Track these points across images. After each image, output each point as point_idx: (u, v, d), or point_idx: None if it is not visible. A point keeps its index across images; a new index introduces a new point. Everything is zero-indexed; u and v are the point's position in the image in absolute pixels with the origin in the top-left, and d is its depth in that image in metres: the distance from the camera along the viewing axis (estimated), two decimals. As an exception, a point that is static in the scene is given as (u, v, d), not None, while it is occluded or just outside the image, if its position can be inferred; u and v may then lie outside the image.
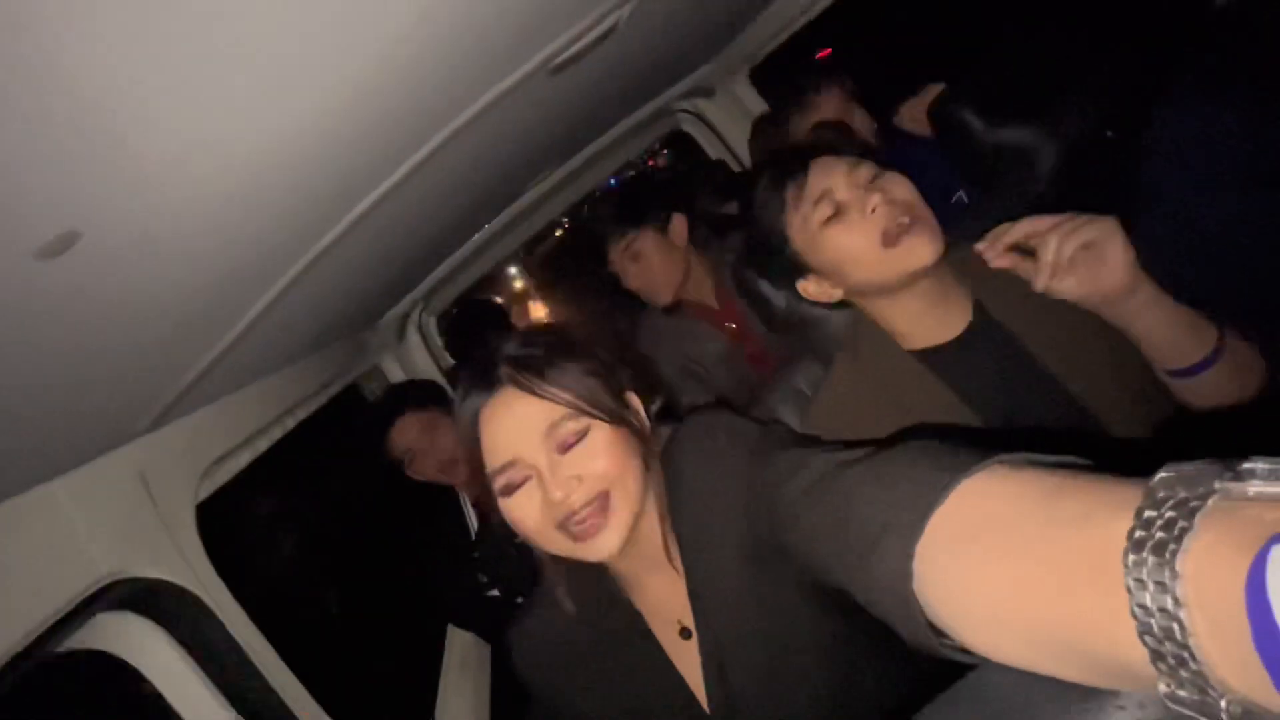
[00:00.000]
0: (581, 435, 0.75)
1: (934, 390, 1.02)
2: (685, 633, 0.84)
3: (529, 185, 1.99)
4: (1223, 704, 0.29)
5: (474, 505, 2.05)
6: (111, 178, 0.52)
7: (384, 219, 1.07)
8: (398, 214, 1.12)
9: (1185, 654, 0.29)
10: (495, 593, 1.88)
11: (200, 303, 0.81)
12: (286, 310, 1.05)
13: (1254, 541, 0.27)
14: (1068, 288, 0.83)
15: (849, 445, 0.69)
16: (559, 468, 0.74)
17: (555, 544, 0.76)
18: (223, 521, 1.11)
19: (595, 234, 1.93)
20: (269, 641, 1.02)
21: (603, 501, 0.75)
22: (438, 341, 2.59)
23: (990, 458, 0.47)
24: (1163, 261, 0.80)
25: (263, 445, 1.31)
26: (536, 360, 0.78)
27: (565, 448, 0.75)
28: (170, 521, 0.92)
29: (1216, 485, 0.30)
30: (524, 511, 0.75)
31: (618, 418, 0.78)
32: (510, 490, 0.76)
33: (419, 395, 1.94)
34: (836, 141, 1.03)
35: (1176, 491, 0.31)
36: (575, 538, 0.74)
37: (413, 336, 2.47)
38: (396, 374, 2.34)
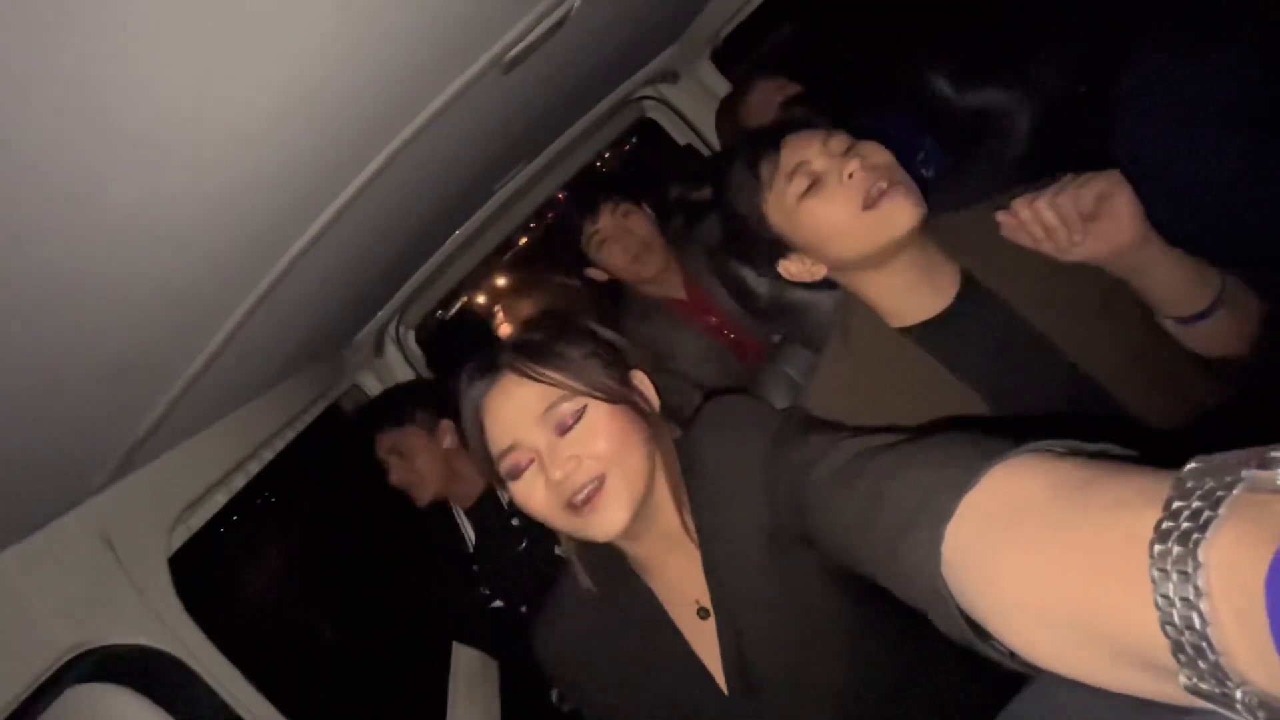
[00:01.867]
0: (579, 415, 0.77)
1: (927, 367, 1.01)
2: (703, 613, 0.84)
3: (496, 186, 1.93)
4: (1238, 694, 0.29)
5: (468, 516, 2.02)
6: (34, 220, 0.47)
7: (342, 236, 1.01)
8: (357, 230, 1.07)
9: (1204, 644, 0.29)
10: (499, 604, 1.85)
11: (147, 343, 0.76)
12: (247, 341, 1.00)
13: (1278, 535, 0.27)
14: (1085, 250, 0.83)
15: (869, 430, 0.69)
16: (558, 449, 0.76)
17: (564, 523, 0.78)
18: (202, 570, 1.06)
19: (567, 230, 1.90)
20: (263, 693, 0.98)
21: (601, 481, 0.76)
22: (417, 353, 2.54)
23: (1021, 446, 0.46)
24: (1149, 214, 0.79)
25: (239, 483, 1.26)
26: (534, 346, 0.80)
27: (564, 429, 0.76)
28: (141, 581, 0.87)
29: (1244, 474, 0.30)
30: (530, 494, 0.77)
31: (617, 396, 0.79)
32: (515, 474, 0.78)
33: (399, 410, 1.88)
34: (808, 117, 0.99)
35: (1204, 482, 0.31)
36: (579, 514, 0.75)
37: (391, 351, 2.42)
38: (377, 390, 2.28)
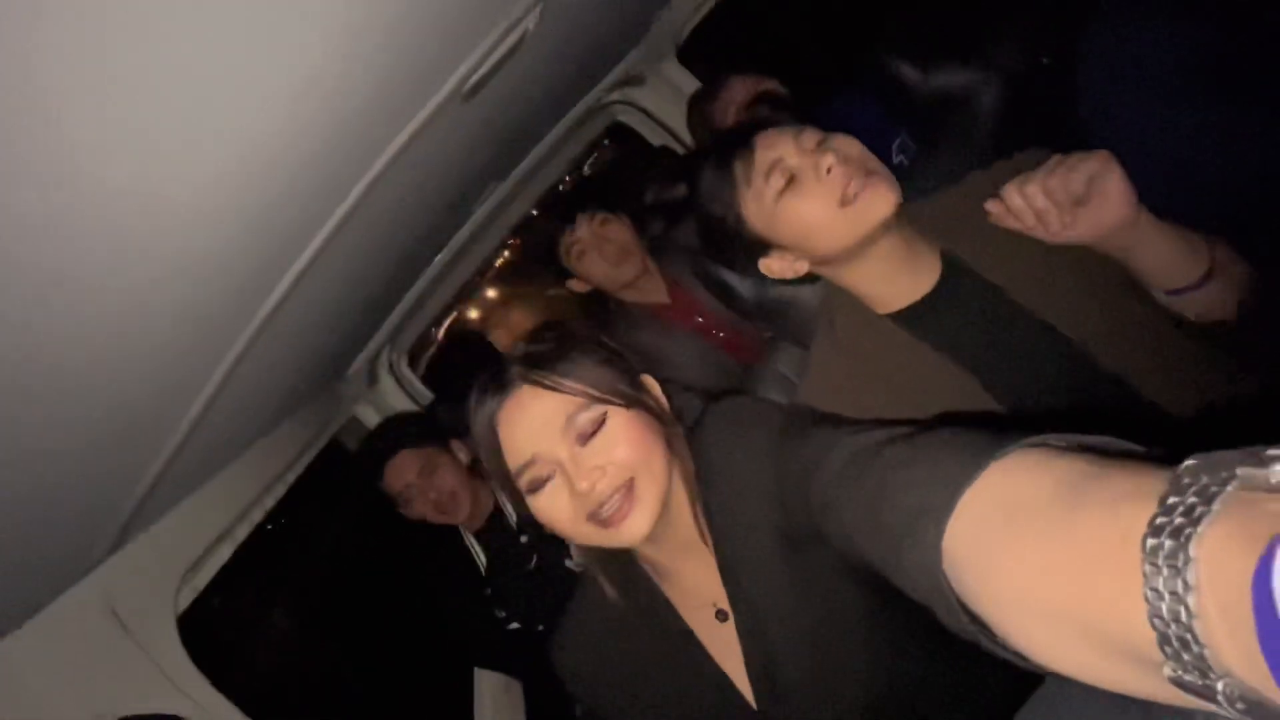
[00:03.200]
0: (599, 424, 0.76)
1: (917, 351, 1.01)
2: (721, 615, 0.83)
3: (474, 208, 1.93)
4: (1220, 685, 0.29)
5: (477, 539, 2.01)
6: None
7: (324, 274, 1.01)
8: (338, 266, 1.07)
9: (1189, 636, 0.30)
10: (515, 625, 1.85)
11: (136, 406, 0.76)
12: (237, 391, 0.99)
13: (1268, 534, 0.28)
14: (1076, 233, 0.83)
15: (871, 424, 0.68)
16: (581, 459, 0.75)
17: (587, 536, 0.77)
18: (212, 625, 1.05)
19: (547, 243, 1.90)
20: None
21: (629, 488, 0.75)
22: (412, 379, 2.53)
23: (1021, 439, 0.46)
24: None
25: (243, 533, 1.25)
26: (547, 356, 0.78)
27: (585, 438, 0.75)
28: (151, 646, 0.87)
29: (1239, 471, 0.30)
30: (553, 507, 0.76)
31: (634, 401, 0.78)
32: (536, 488, 0.76)
33: (414, 431, 1.87)
34: (775, 116, 0.99)
35: (1200, 478, 0.32)
36: (605, 525, 0.74)
37: (385, 380, 2.41)
38: (374, 421, 2.27)
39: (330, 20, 0.57)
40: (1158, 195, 0.81)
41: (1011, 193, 0.85)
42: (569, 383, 0.76)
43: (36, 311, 0.52)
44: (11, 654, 0.72)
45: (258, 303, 0.87)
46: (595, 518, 0.74)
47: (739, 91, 1.71)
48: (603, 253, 1.82)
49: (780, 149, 0.94)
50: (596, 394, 0.76)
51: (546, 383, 0.76)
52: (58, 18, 0.38)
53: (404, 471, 1.75)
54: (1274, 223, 0.92)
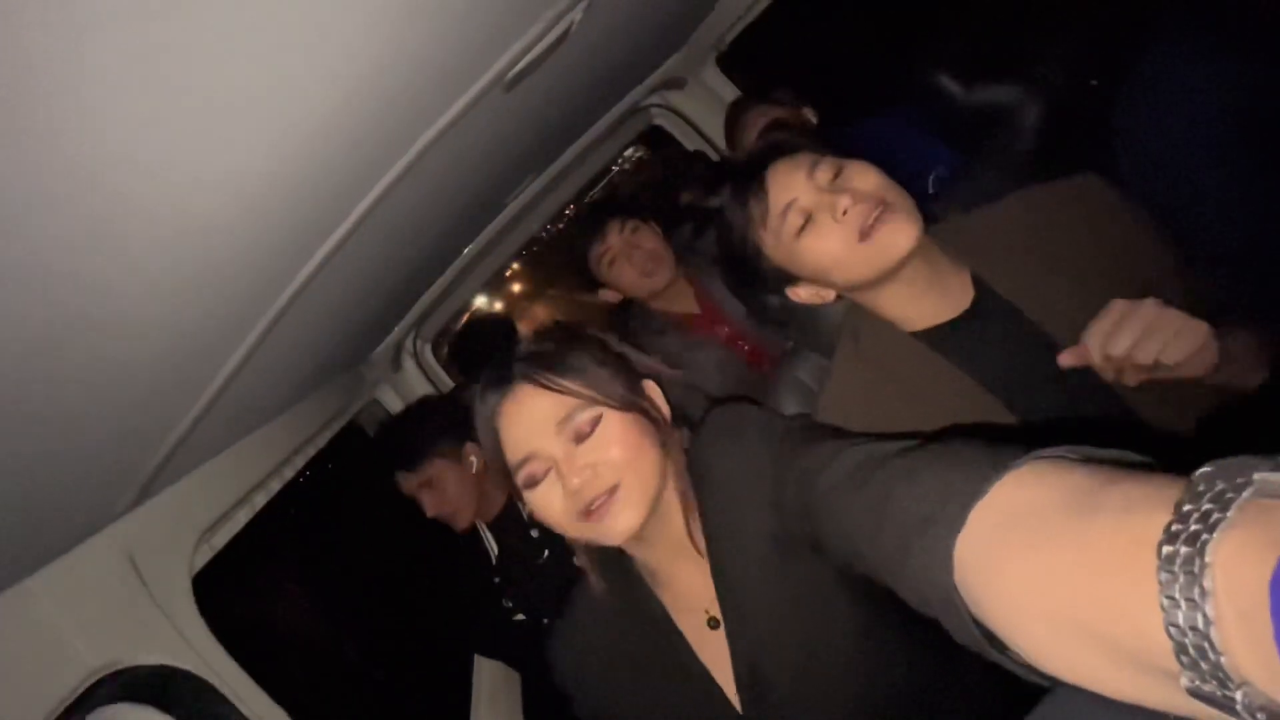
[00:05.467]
0: (595, 424, 0.77)
1: (941, 370, 0.99)
2: (713, 622, 0.84)
3: (507, 199, 1.95)
4: (1239, 696, 0.29)
5: (489, 530, 2.02)
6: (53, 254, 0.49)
7: (354, 255, 1.03)
8: (368, 248, 1.09)
9: (1206, 645, 0.29)
10: (521, 617, 1.85)
11: (166, 368, 0.78)
12: (263, 362, 1.02)
13: None
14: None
15: (877, 437, 0.68)
16: (575, 457, 0.76)
17: (579, 532, 0.78)
18: (225, 588, 1.07)
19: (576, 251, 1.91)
20: (286, 710, 0.99)
21: (614, 489, 0.76)
22: (435, 367, 2.56)
23: (1032, 452, 0.46)
24: (1163, 226, 0.76)
25: (260, 501, 1.28)
26: (547, 356, 0.81)
27: (580, 437, 0.77)
28: (165, 601, 0.89)
29: (1255, 477, 0.30)
30: (547, 503, 0.78)
31: (630, 404, 0.80)
32: (532, 483, 0.78)
33: (428, 433, 1.85)
34: (788, 142, 0.98)
35: (1215, 484, 0.32)
36: (591, 519, 0.76)
37: (408, 365, 2.44)
38: (396, 405, 2.31)
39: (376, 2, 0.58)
40: (1184, 231, 0.78)
41: (1095, 347, 0.78)
42: (566, 383, 0.78)
43: (87, 268, 0.54)
44: (31, 594, 0.74)
45: (287, 279, 0.88)
46: (585, 514, 0.76)
47: (757, 118, 1.71)
48: (633, 260, 1.83)
49: (793, 187, 0.93)
50: (593, 395, 0.78)
51: (545, 382, 0.78)
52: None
53: (406, 486, 1.80)
54: None
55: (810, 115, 1.71)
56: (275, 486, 1.35)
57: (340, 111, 0.67)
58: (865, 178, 0.91)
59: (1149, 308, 0.74)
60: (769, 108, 1.72)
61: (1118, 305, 0.76)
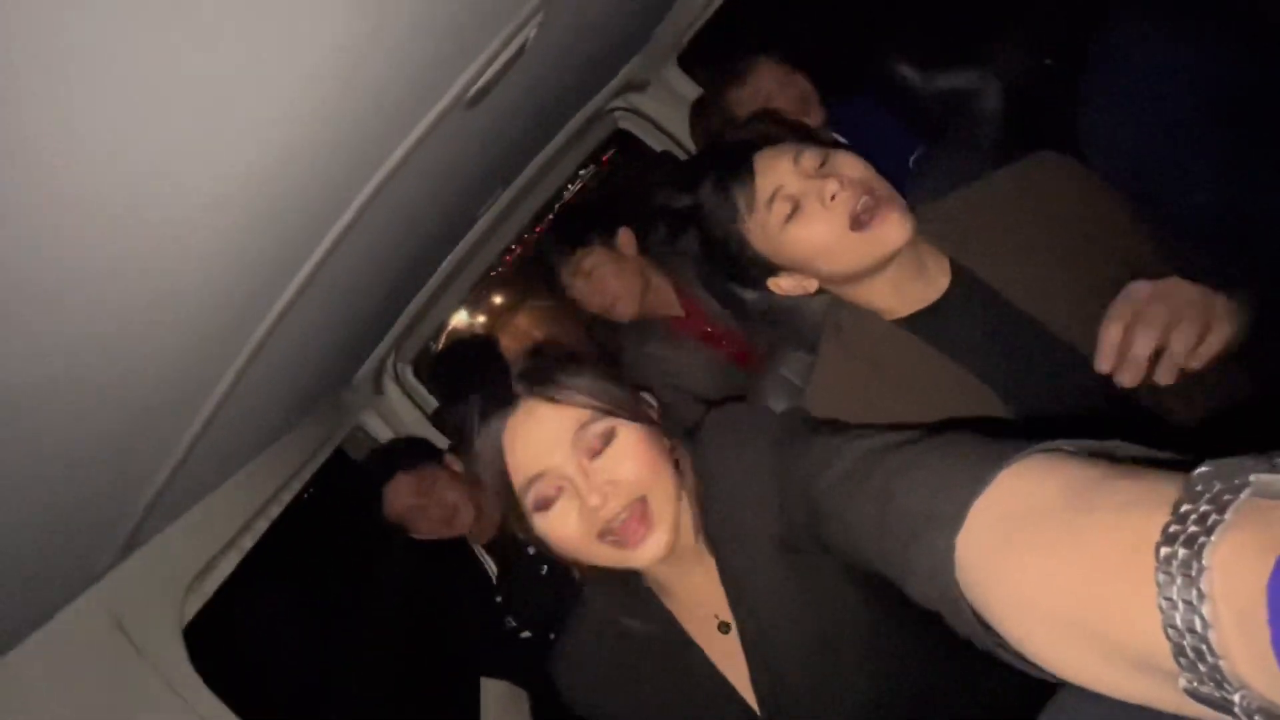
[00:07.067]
0: (608, 438, 0.74)
1: (925, 356, 1.00)
2: (724, 627, 0.83)
3: (478, 214, 1.93)
4: (1236, 698, 0.29)
5: (487, 550, 2.00)
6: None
7: (328, 282, 1.01)
8: (342, 275, 1.07)
9: (1204, 647, 0.29)
10: (527, 634, 1.84)
11: (141, 416, 0.75)
12: (242, 401, 0.99)
13: None
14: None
15: (873, 429, 0.67)
16: (592, 474, 0.73)
17: (599, 555, 0.75)
18: (219, 635, 1.05)
19: (545, 265, 1.88)
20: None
21: (642, 507, 0.73)
22: (418, 388, 2.53)
23: (1030, 446, 0.46)
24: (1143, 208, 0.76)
25: (249, 542, 1.25)
26: (550, 368, 0.77)
27: (594, 453, 0.74)
28: (157, 659, 0.86)
29: (1253, 478, 0.30)
30: (563, 525, 0.73)
31: (640, 415, 0.77)
32: (544, 505, 0.74)
33: (406, 455, 1.88)
34: (773, 131, 0.98)
35: (1213, 485, 0.32)
36: (620, 545, 0.73)
37: (390, 388, 2.41)
38: (381, 429, 2.28)
39: (331, 29, 0.57)
40: (1151, 216, 0.79)
41: (1113, 336, 0.75)
42: (576, 394, 0.75)
43: (42, 322, 0.52)
44: (16, 669, 0.71)
45: (261, 314, 0.86)
46: (608, 536, 0.73)
47: (767, 79, 1.61)
48: (592, 302, 1.82)
49: (780, 175, 0.92)
50: (604, 405, 0.75)
51: (553, 395, 0.75)
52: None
53: (402, 493, 1.77)
54: (1265, 253, 0.90)
55: (804, 84, 1.62)
56: (263, 526, 1.32)
57: (303, 141, 0.65)
58: (852, 165, 0.91)
59: (1164, 290, 0.72)
60: (778, 70, 1.61)
61: (1135, 290, 0.73)
